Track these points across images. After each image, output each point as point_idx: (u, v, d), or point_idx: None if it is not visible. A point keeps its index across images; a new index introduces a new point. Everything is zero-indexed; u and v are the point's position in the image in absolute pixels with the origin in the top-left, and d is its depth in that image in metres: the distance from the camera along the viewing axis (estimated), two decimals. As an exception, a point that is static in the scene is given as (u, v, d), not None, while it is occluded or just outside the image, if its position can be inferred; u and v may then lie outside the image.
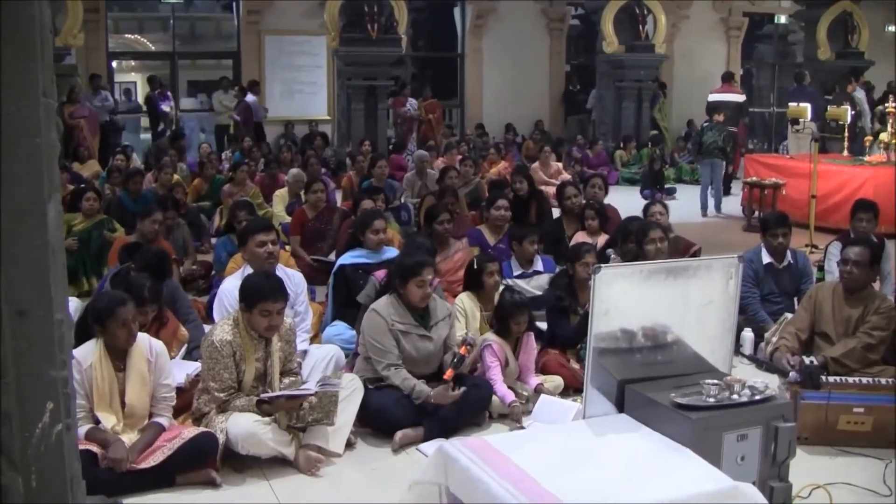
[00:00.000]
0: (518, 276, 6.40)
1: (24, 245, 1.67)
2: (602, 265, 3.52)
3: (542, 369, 5.24)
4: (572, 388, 5.12)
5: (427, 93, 16.60)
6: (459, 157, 12.04)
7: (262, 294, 4.20)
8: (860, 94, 14.88)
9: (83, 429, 3.91)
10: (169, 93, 16.15)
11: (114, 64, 18.38)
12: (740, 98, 14.60)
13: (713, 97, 14.41)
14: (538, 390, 4.95)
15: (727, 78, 14.77)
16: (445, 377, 4.55)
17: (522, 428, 4.63)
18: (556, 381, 5.13)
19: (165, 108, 15.88)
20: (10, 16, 1.62)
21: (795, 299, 6.18)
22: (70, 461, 1.87)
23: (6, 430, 1.72)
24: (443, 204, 7.41)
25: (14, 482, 1.73)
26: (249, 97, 15.33)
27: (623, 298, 3.46)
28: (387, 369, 4.57)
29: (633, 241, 6.12)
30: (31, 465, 1.76)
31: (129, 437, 4.01)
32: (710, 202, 12.38)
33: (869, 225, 6.76)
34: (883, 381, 4.62)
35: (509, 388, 4.87)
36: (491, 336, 5.03)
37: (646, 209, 7.17)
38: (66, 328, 1.85)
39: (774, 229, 6.17)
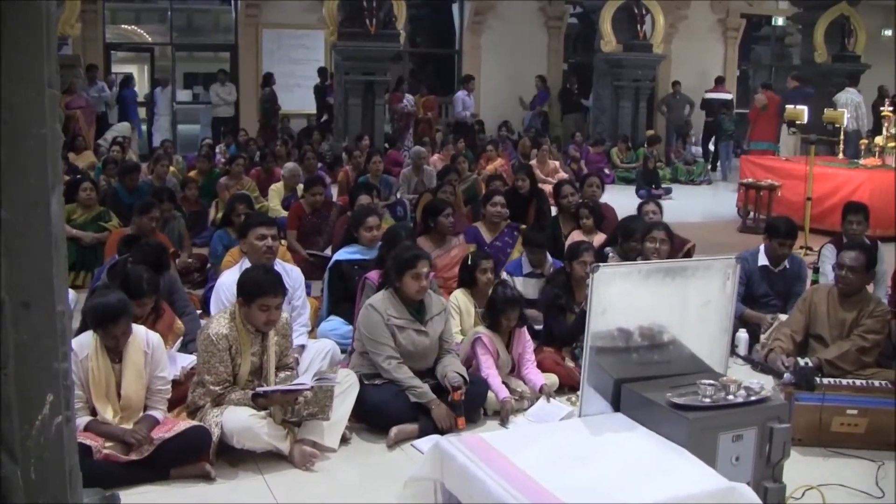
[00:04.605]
0: (527, 275, 6.39)
1: (29, 237, 1.67)
2: (601, 264, 3.54)
3: (538, 367, 5.24)
4: (567, 387, 5.14)
5: (423, 91, 16.56)
6: (453, 153, 12.05)
7: (262, 289, 4.19)
8: (857, 98, 14.88)
9: (82, 420, 3.90)
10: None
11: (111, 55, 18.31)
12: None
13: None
14: (542, 391, 4.94)
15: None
16: (454, 398, 4.54)
17: (506, 428, 4.61)
18: (551, 378, 5.14)
19: (331, 100, 15.91)
20: (17, 6, 1.61)
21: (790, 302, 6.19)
22: (69, 453, 1.87)
23: (6, 422, 1.71)
24: (443, 200, 7.37)
25: (13, 474, 1.72)
26: None
27: (621, 298, 3.48)
28: (387, 362, 4.55)
29: (636, 240, 6.14)
30: (31, 457, 1.75)
31: (124, 430, 3.99)
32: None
33: (860, 227, 6.76)
34: (877, 383, 4.66)
35: (503, 382, 4.88)
36: (481, 329, 5.03)
37: (640, 208, 7.21)
38: (66, 320, 1.85)
39: (784, 238, 6.08)
